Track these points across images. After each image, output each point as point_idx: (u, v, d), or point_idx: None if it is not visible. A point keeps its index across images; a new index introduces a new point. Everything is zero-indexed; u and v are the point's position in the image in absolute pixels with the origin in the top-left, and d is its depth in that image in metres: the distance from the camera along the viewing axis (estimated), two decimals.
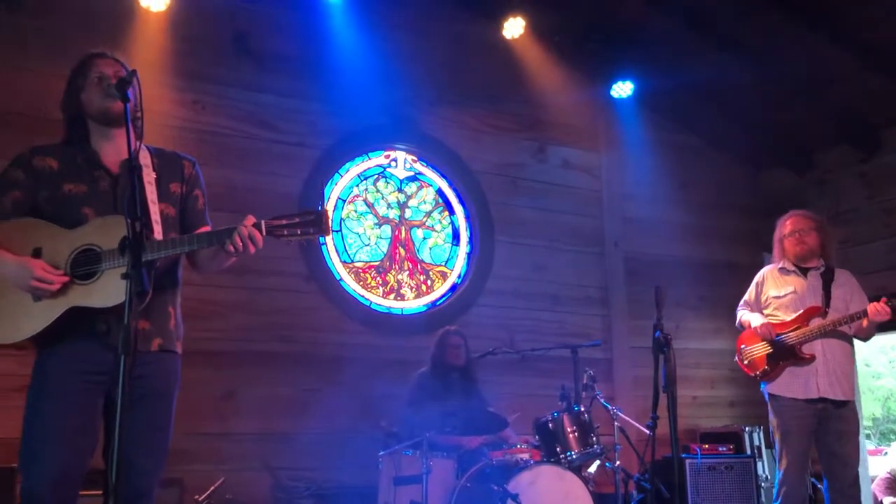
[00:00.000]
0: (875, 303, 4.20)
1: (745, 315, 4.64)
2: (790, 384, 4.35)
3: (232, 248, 2.51)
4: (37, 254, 2.53)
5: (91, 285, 2.49)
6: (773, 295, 4.54)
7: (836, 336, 4.35)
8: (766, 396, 4.48)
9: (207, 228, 2.78)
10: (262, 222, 2.52)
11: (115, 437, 2.09)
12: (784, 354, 4.37)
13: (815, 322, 4.35)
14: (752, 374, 4.52)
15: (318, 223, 2.51)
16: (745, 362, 4.54)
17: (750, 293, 4.70)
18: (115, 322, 2.48)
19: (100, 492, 2.49)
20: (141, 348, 2.52)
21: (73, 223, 2.57)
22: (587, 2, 6.31)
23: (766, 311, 4.55)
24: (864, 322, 4.26)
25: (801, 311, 4.40)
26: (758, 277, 4.69)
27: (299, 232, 2.51)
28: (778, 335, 4.40)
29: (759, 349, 4.46)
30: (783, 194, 7.15)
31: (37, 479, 2.40)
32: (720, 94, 6.78)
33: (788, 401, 4.34)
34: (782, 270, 4.58)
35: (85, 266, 2.51)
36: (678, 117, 7.32)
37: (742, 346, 4.57)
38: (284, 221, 2.52)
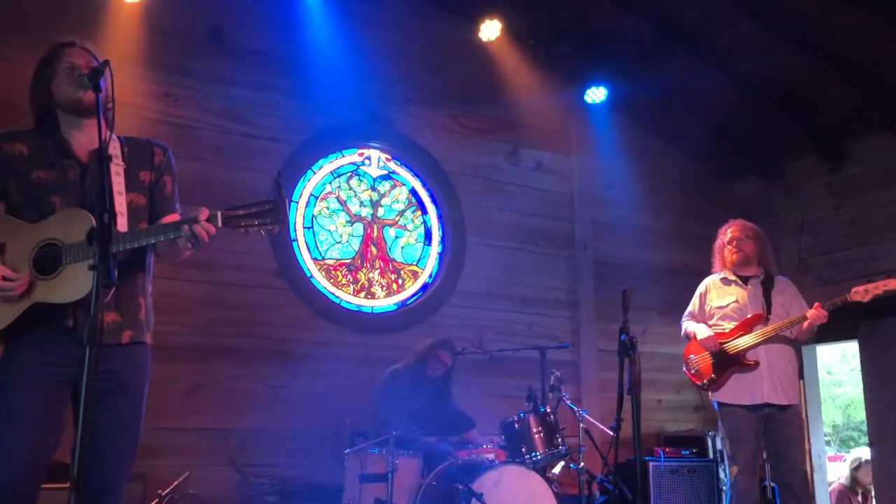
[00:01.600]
0: (813, 309, 4.34)
1: (689, 326, 4.74)
2: (736, 391, 4.46)
3: (188, 244, 2.48)
4: (0, 250, 2.51)
5: (53, 281, 2.47)
6: (717, 305, 4.66)
7: (778, 341, 4.48)
8: (715, 405, 4.58)
9: (175, 216, 2.75)
10: (219, 213, 2.47)
11: (78, 430, 2.08)
12: (729, 362, 4.49)
13: (758, 329, 4.47)
14: (699, 383, 4.62)
15: (274, 213, 2.46)
16: (693, 371, 4.64)
17: (694, 304, 4.80)
18: (82, 315, 2.47)
19: (66, 484, 2.47)
20: (111, 341, 2.50)
21: (40, 211, 2.54)
22: (562, 6, 6.36)
23: (710, 322, 4.66)
24: (805, 325, 4.39)
25: (744, 319, 4.52)
26: (701, 288, 4.80)
27: (256, 222, 2.46)
28: (721, 344, 4.51)
29: (706, 358, 4.57)
30: (751, 202, 7.24)
31: (1, 472, 2.38)
32: (692, 102, 6.85)
33: (736, 408, 4.44)
34: (724, 280, 4.70)
35: (47, 260, 2.48)
36: (650, 123, 7.39)
37: (689, 357, 4.67)
38: (241, 212, 2.47)
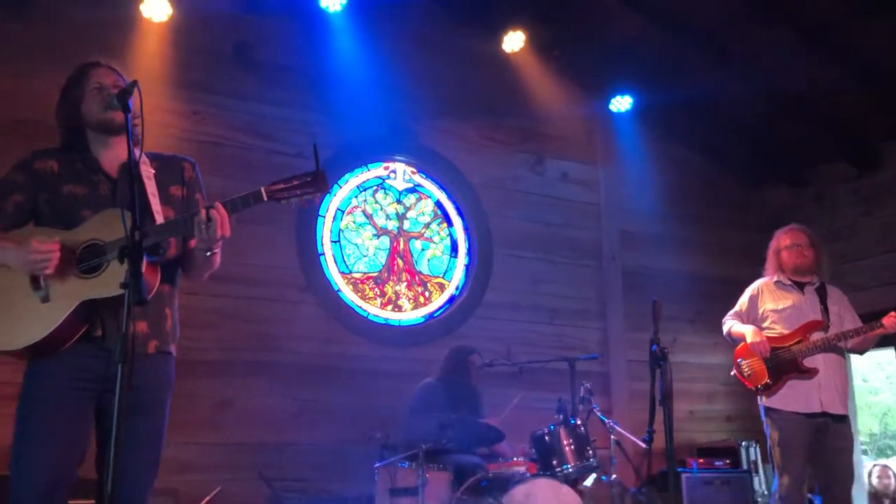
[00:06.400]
0: (889, 317, 4.23)
1: (735, 326, 4.58)
2: (791, 397, 4.32)
3: (208, 252, 2.47)
4: None
5: (98, 278, 2.47)
6: (771, 308, 4.52)
7: (834, 351, 4.37)
8: (763, 410, 4.44)
9: None
10: (262, 189, 2.50)
11: (110, 446, 2.07)
12: (786, 367, 4.35)
13: (817, 336, 4.35)
14: (753, 388, 4.46)
15: (316, 182, 2.49)
16: (745, 375, 4.47)
17: (742, 304, 4.65)
18: (111, 325, 2.48)
19: (91, 501, 2.47)
20: (138, 351, 2.47)
21: (72, 225, 2.55)
22: (586, 16, 6.34)
23: (763, 325, 4.51)
24: (874, 333, 4.28)
25: (802, 325, 4.40)
26: (752, 290, 4.65)
27: (299, 193, 2.49)
28: (777, 349, 4.38)
29: (759, 362, 4.41)
30: (780, 209, 7.17)
31: (26, 489, 2.39)
32: (718, 109, 6.80)
33: (789, 414, 4.30)
34: (778, 284, 4.57)
35: (91, 259, 2.49)
36: (676, 132, 7.34)
37: (740, 360, 4.51)
38: (282, 185, 2.50)
